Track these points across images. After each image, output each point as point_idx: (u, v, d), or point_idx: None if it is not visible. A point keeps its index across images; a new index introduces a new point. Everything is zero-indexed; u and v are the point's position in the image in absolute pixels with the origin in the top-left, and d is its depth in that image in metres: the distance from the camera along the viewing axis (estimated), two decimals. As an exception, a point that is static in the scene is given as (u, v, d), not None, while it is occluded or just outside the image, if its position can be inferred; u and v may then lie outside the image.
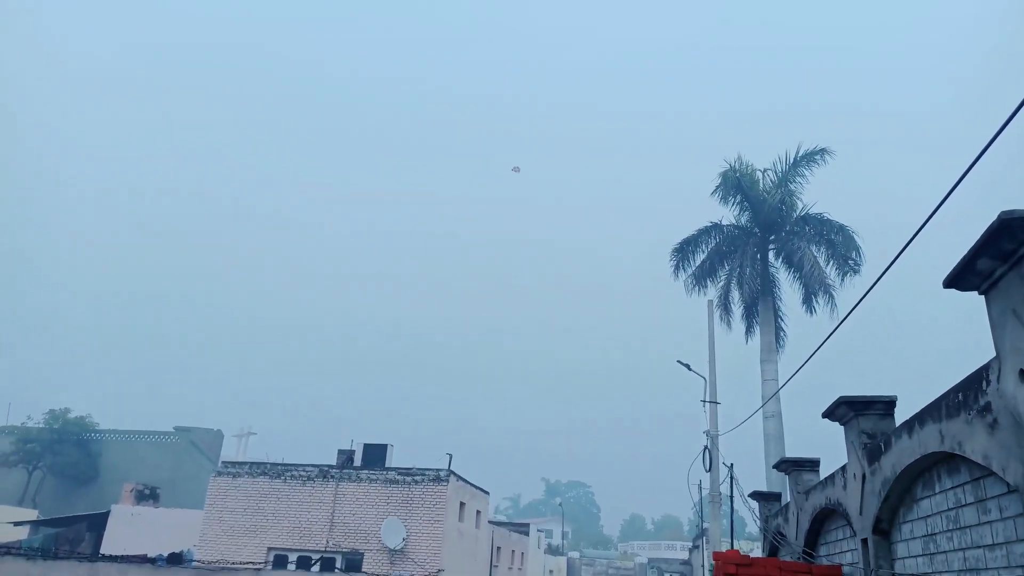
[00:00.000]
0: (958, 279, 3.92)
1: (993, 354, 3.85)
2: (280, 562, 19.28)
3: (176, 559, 11.59)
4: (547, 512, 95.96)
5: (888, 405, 6.44)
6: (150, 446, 48.11)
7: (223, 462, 24.22)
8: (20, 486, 45.20)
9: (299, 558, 19.51)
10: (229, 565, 10.40)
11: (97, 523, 28.13)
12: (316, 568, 16.42)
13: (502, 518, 44.73)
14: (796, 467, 9.80)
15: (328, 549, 19.67)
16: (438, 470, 21.00)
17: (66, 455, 45.77)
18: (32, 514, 34.46)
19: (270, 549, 20.11)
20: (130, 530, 25.57)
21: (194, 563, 12.91)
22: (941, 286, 4.12)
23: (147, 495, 30.08)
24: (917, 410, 5.07)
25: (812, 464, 9.71)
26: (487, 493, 25.65)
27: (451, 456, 22.17)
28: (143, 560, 8.46)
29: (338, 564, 19.11)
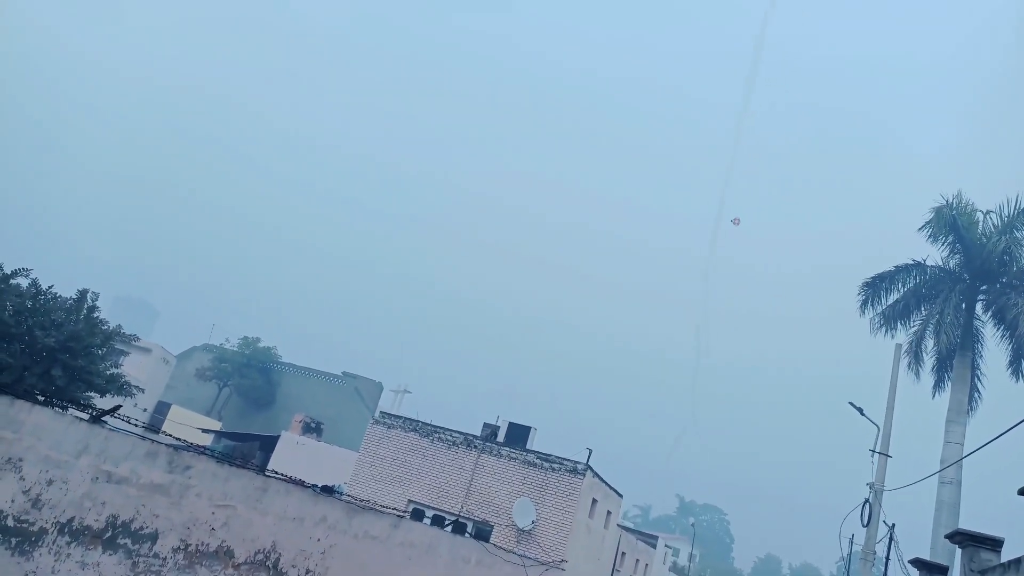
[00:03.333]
0: None
1: None
2: (417, 515, 20.41)
3: (328, 491, 12.62)
4: (677, 530, 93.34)
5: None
6: (320, 385, 52.52)
7: (381, 412, 25.94)
8: (211, 399, 51.19)
9: (434, 516, 20.55)
10: (375, 506, 11.19)
11: (268, 444, 31.30)
12: (449, 528, 17.23)
13: (630, 525, 44.15)
14: (973, 542, 8.83)
15: (462, 514, 20.52)
16: (576, 462, 21.14)
17: (251, 379, 51.12)
18: (217, 425, 39.02)
19: (410, 501, 21.36)
20: (294, 456, 28.23)
21: (345, 496, 14.04)
22: None
23: (312, 428, 32.95)
24: None
25: (994, 543, 8.71)
26: (620, 496, 25.45)
27: (591, 451, 22.20)
28: (304, 485, 9.33)
29: (468, 529, 19.89)
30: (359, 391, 52.34)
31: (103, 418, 6.97)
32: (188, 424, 31.03)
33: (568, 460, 21.25)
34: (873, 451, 17.31)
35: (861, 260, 25.02)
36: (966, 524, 10.07)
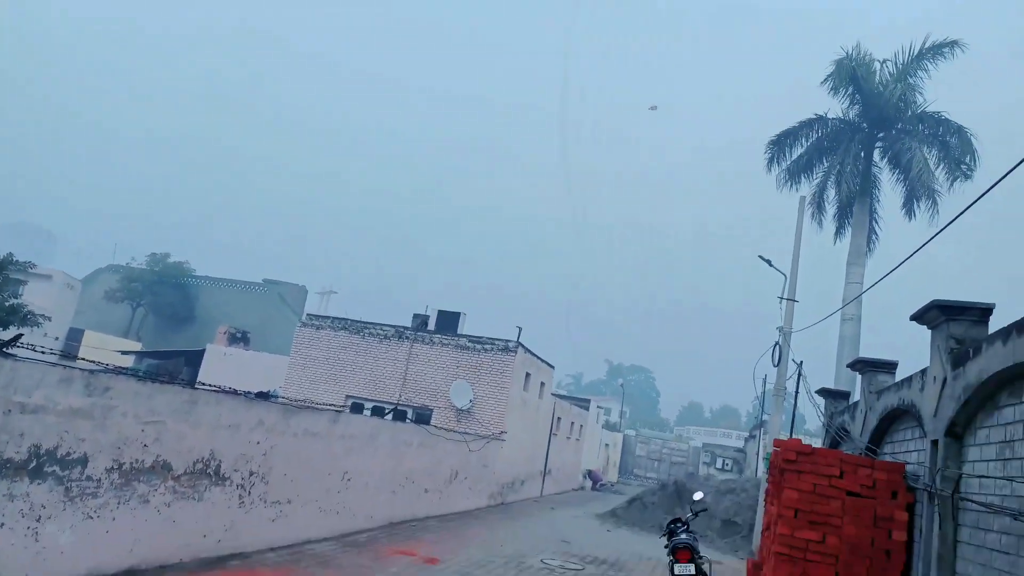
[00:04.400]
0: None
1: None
2: (357, 408, 20.76)
3: (264, 397, 12.57)
4: (608, 392, 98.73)
5: (983, 312, 6.17)
6: (241, 294, 51.20)
7: (308, 314, 25.63)
8: (125, 321, 49.33)
9: (374, 407, 20.95)
10: (313, 404, 11.24)
11: (193, 359, 30.69)
12: (389, 417, 17.61)
13: (564, 392, 46.32)
14: (871, 367, 9.65)
15: (401, 403, 20.97)
16: (507, 341, 21.70)
17: (165, 296, 49.32)
18: (136, 346, 37.84)
19: (348, 396, 21.63)
20: (222, 368, 27.84)
21: (281, 399, 14.07)
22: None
23: (239, 338, 32.38)
24: (1014, 320, 4.86)
25: (889, 366, 9.55)
26: (552, 367, 26.47)
27: (520, 329, 22.78)
28: (236, 393, 9.23)
29: (409, 416, 20.40)
30: (283, 297, 51.40)
31: (4, 349, 6.58)
32: (105, 348, 29.95)
33: (499, 339, 21.77)
34: (781, 298, 18.37)
35: (776, 129, 25.45)
36: (865, 354, 10.94)
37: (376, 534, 12.14)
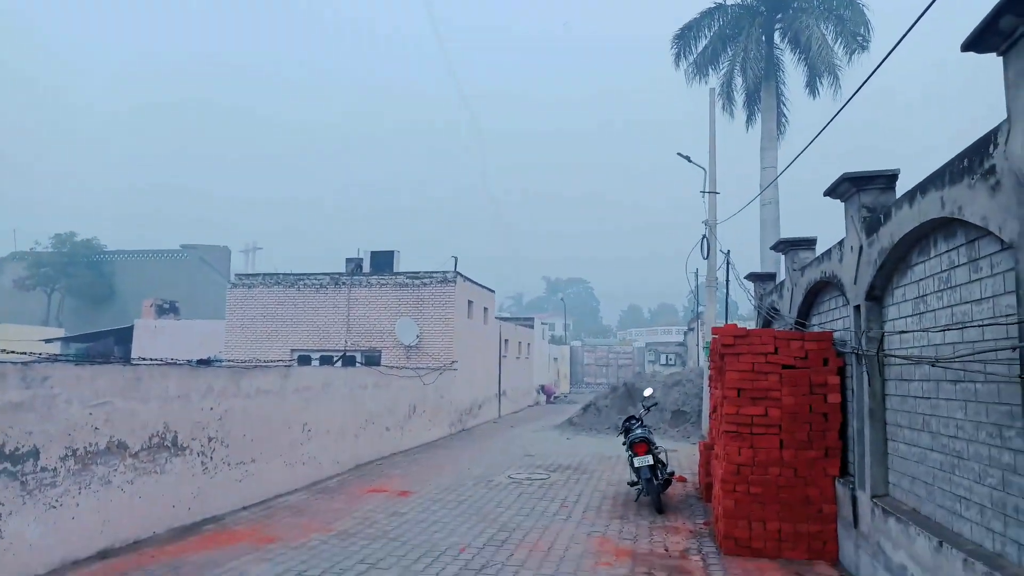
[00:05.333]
0: (978, 40, 3.82)
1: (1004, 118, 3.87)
2: (304, 360, 20.64)
3: (206, 364, 12.36)
4: (549, 308, 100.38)
5: (890, 179, 6.54)
6: (160, 264, 49.26)
7: (237, 274, 24.98)
8: (42, 308, 47.00)
9: (321, 357, 20.86)
10: (262, 363, 11.14)
11: (123, 337, 29.67)
12: (339, 364, 17.62)
13: (507, 315, 46.96)
14: (793, 246, 10.15)
15: (348, 348, 20.94)
16: (445, 272, 21.73)
17: (80, 277, 47.03)
18: (59, 332, 36.22)
19: (293, 351, 21.44)
20: (155, 342, 27.03)
21: (229, 362, 13.86)
22: (959, 50, 4.03)
23: (167, 309, 31.34)
24: (918, 181, 5.18)
25: (809, 243, 10.05)
26: (492, 292, 26.73)
27: (456, 259, 22.81)
28: (179, 363, 9.07)
29: (359, 360, 20.43)
30: (205, 260, 49.69)
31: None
32: (27, 339, 28.58)
33: (437, 272, 21.78)
34: (703, 192, 18.89)
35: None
36: (787, 235, 11.46)
37: (345, 478, 12.35)
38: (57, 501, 6.87)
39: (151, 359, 9.03)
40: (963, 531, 4.77)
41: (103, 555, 7.18)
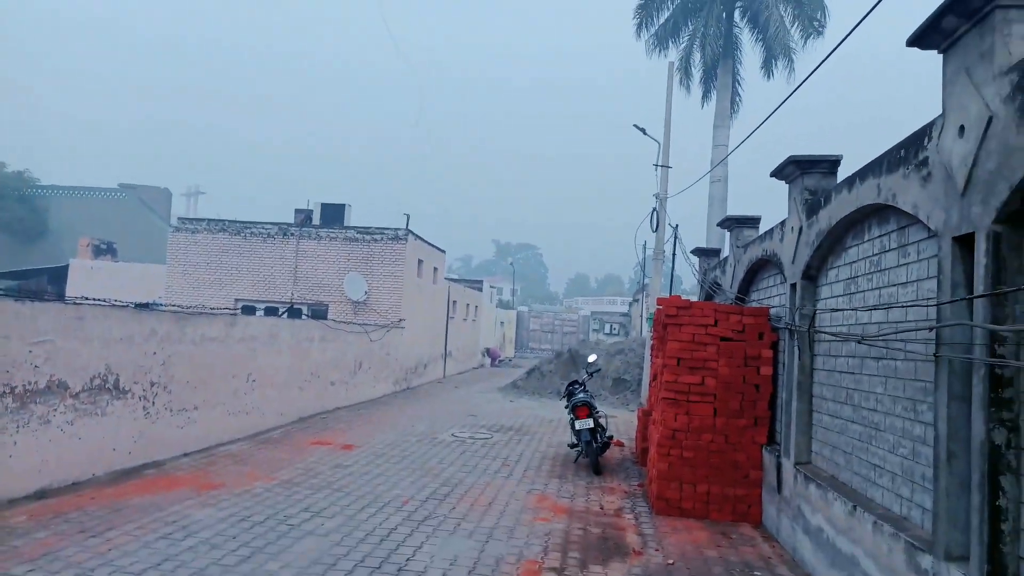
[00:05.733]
0: (922, 37, 4.05)
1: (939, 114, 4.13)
2: (248, 310, 20.34)
3: (146, 308, 12.13)
4: (498, 272, 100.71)
5: (833, 164, 6.85)
6: (97, 203, 47.30)
7: (180, 218, 24.30)
8: (-33, 242, 44.78)
9: (266, 308, 20.61)
10: (207, 310, 11.01)
11: (57, 276, 28.63)
12: (284, 316, 17.45)
13: (456, 276, 46.97)
14: (738, 224, 10.51)
15: (294, 301, 20.73)
16: (396, 229, 21.62)
17: (9, 211, 44.84)
18: (-13, 268, 34.66)
19: (237, 300, 21.11)
20: (91, 283, 26.15)
21: (173, 307, 13.59)
22: (904, 45, 4.27)
23: (104, 250, 30.32)
24: (857, 168, 5.46)
25: (753, 221, 10.42)
26: (443, 252, 26.72)
27: (408, 216, 22.68)
28: (125, 305, 8.91)
29: (305, 313, 20.27)
30: (144, 202, 47.96)
31: None
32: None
33: (388, 228, 21.64)
34: (656, 165, 19.18)
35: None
36: (733, 213, 11.81)
37: (289, 429, 12.39)
38: (-7, 439, 6.77)
39: (93, 299, 8.85)
40: (875, 497, 5.18)
41: (40, 495, 7.12)
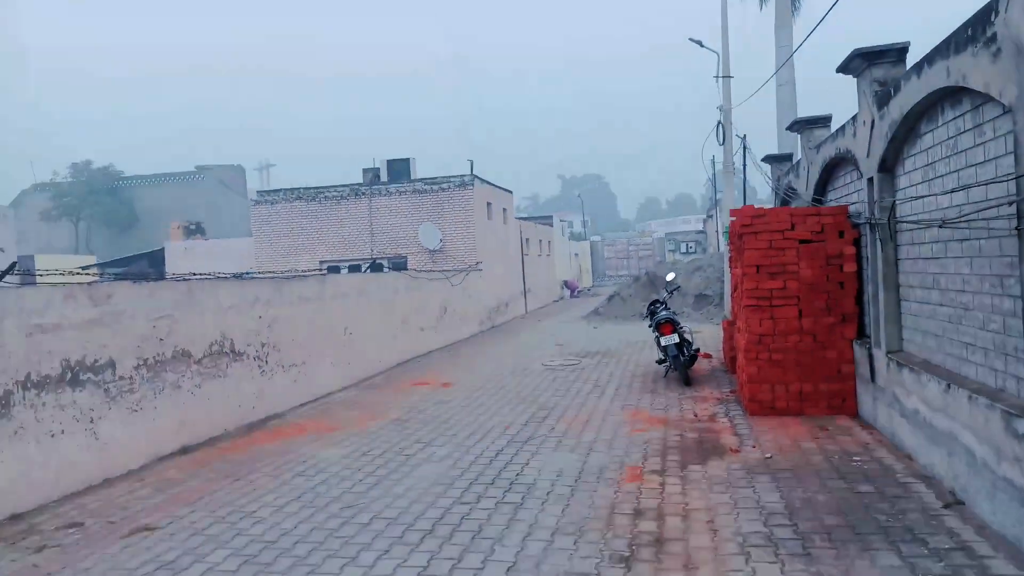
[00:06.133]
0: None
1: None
2: (334, 270, 21.27)
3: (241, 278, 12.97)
4: (566, 207, 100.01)
5: (900, 52, 6.65)
6: (178, 187, 49.65)
7: (258, 192, 25.35)
8: (71, 238, 47.97)
9: (349, 266, 21.50)
10: (299, 273, 11.72)
11: (156, 260, 30.52)
12: (368, 271, 18.23)
13: (526, 215, 47.16)
14: (809, 125, 10.27)
15: (375, 256, 21.52)
16: (462, 176, 21.93)
17: (103, 204, 47.67)
18: (92, 259, 37.18)
19: (322, 262, 22.08)
20: (187, 263, 27.77)
21: (268, 273, 14.47)
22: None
23: (194, 230, 32.02)
24: (925, 53, 5.34)
25: (824, 120, 10.16)
26: (510, 192, 26.93)
27: (472, 162, 22.92)
28: (226, 277, 9.63)
29: (386, 267, 21.04)
30: (222, 181, 49.99)
31: (2, 280, 6.82)
32: (63, 268, 29.49)
33: (455, 176, 21.99)
34: (717, 77, 18.63)
35: None
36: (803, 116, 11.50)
37: (389, 374, 13.15)
38: (138, 405, 7.60)
39: (200, 274, 9.59)
40: (969, 374, 5.26)
41: (184, 451, 7.98)
